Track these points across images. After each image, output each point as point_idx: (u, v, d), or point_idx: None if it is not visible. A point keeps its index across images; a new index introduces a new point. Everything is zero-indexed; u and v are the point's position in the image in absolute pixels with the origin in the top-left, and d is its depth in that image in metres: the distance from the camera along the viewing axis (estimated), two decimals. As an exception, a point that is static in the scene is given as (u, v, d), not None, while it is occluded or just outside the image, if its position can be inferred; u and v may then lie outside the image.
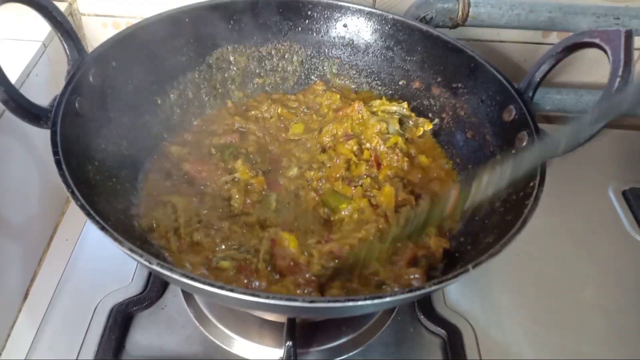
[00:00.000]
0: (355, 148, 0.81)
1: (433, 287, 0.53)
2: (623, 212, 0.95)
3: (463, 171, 0.82)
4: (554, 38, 1.06)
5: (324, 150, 0.83)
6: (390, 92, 0.93)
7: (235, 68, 0.92)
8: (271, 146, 0.85)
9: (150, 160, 0.79)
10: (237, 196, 0.74)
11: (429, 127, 0.86)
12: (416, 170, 0.81)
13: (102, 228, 0.53)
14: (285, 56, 0.94)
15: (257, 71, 0.94)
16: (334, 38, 0.93)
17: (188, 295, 0.77)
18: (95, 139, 0.71)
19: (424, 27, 0.86)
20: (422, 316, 0.77)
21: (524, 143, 0.70)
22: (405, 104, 0.87)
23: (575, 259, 0.88)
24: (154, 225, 0.70)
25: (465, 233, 0.73)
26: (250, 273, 0.65)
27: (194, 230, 0.69)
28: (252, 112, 0.89)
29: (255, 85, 0.94)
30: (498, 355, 0.75)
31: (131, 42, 0.77)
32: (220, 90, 0.92)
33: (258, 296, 0.49)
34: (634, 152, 1.08)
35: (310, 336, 0.73)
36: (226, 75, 0.92)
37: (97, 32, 1.05)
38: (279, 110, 0.89)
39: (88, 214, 0.54)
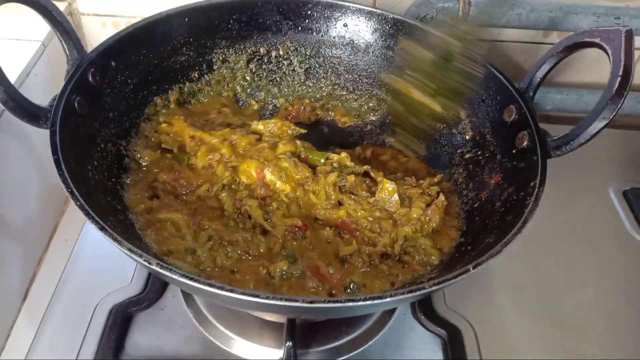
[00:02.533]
0: None
1: (433, 287, 0.52)
2: (624, 212, 0.95)
3: (463, 171, 0.82)
4: (555, 38, 1.06)
5: None
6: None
7: (235, 68, 0.92)
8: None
9: (130, 170, 0.76)
10: (228, 202, 0.75)
11: None
12: None
13: (101, 228, 0.53)
14: (285, 56, 0.94)
15: (257, 71, 0.94)
16: (334, 38, 0.92)
17: (188, 296, 0.77)
18: (94, 139, 0.71)
19: (425, 27, 0.86)
20: (422, 316, 0.77)
21: (525, 143, 0.70)
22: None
23: (575, 259, 0.88)
24: (168, 250, 0.68)
25: (466, 233, 0.73)
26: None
27: (214, 253, 0.68)
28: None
29: (256, 85, 0.94)
30: (499, 355, 0.75)
31: (130, 41, 0.77)
32: (220, 90, 0.92)
33: (257, 296, 0.49)
34: (634, 152, 1.07)
35: (310, 337, 0.73)
36: (226, 74, 0.92)
37: (96, 32, 1.05)
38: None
39: (87, 214, 0.54)
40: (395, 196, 0.75)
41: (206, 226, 0.71)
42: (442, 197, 0.76)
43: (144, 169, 0.77)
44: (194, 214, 0.73)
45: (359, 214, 0.74)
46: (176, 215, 0.71)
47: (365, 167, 0.79)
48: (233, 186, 0.77)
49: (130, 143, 0.78)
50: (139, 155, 0.78)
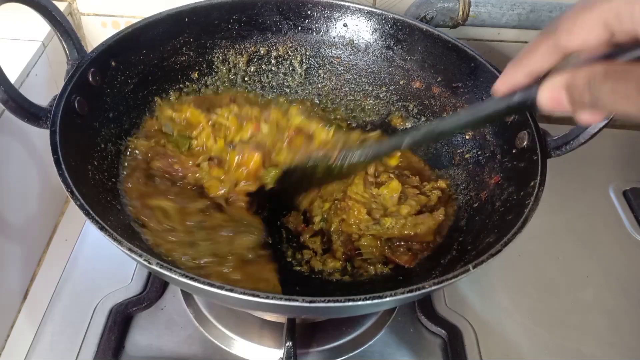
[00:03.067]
0: None
1: (433, 287, 0.52)
2: (624, 212, 0.95)
3: (464, 171, 0.81)
4: (555, 38, 1.06)
5: None
6: (391, 91, 0.93)
7: (235, 68, 0.92)
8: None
9: (124, 162, 0.75)
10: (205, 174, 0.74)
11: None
12: None
13: (101, 228, 0.53)
14: (285, 56, 0.94)
15: (257, 71, 0.94)
16: (334, 37, 0.92)
17: (187, 296, 0.77)
18: (94, 139, 0.70)
19: (424, 27, 0.86)
20: (422, 316, 0.77)
21: (525, 142, 0.69)
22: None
23: (575, 258, 0.88)
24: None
25: (466, 232, 0.73)
26: None
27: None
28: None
29: (256, 85, 0.94)
30: (499, 355, 0.75)
31: (130, 41, 0.77)
32: (220, 90, 0.91)
33: (257, 296, 0.49)
34: (635, 152, 1.08)
35: (310, 336, 0.73)
36: (226, 75, 0.92)
37: (96, 32, 1.05)
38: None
39: (87, 214, 0.54)
40: (395, 196, 0.75)
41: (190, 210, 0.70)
42: (442, 211, 0.76)
43: (139, 158, 0.76)
44: (183, 199, 0.72)
45: (358, 195, 0.75)
46: (166, 204, 0.70)
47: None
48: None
49: (128, 138, 0.78)
50: (133, 146, 0.77)
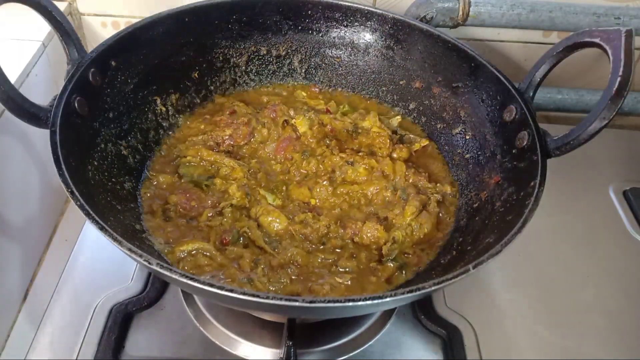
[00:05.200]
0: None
1: (433, 287, 0.52)
2: (624, 212, 0.95)
3: (464, 171, 0.82)
4: (555, 38, 1.06)
5: None
6: (391, 91, 0.93)
7: (235, 68, 0.92)
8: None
9: (142, 197, 0.74)
10: (228, 223, 0.72)
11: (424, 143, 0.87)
12: None
13: (101, 228, 0.53)
14: (285, 56, 0.94)
15: (257, 71, 0.94)
16: (334, 38, 0.92)
17: (188, 296, 0.77)
18: (94, 139, 0.71)
19: (425, 27, 0.86)
20: (422, 316, 0.77)
21: (525, 143, 0.70)
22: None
23: (575, 259, 0.88)
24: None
25: (466, 233, 0.73)
26: None
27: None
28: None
29: (256, 85, 0.94)
30: (498, 355, 0.75)
31: (130, 41, 0.77)
32: (220, 91, 0.91)
33: (258, 296, 0.49)
34: (635, 152, 1.07)
35: (310, 336, 0.73)
36: (226, 75, 0.92)
37: (96, 32, 1.05)
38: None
39: (87, 214, 0.54)
40: (401, 175, 0.79)
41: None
42: (434, 204, 0.76)
43: (157, 189, 0.76)
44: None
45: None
46: (203, 245, 0.68)
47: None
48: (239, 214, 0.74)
49: (147, 166, 0.78)
50: (155, 182, 0.77)
